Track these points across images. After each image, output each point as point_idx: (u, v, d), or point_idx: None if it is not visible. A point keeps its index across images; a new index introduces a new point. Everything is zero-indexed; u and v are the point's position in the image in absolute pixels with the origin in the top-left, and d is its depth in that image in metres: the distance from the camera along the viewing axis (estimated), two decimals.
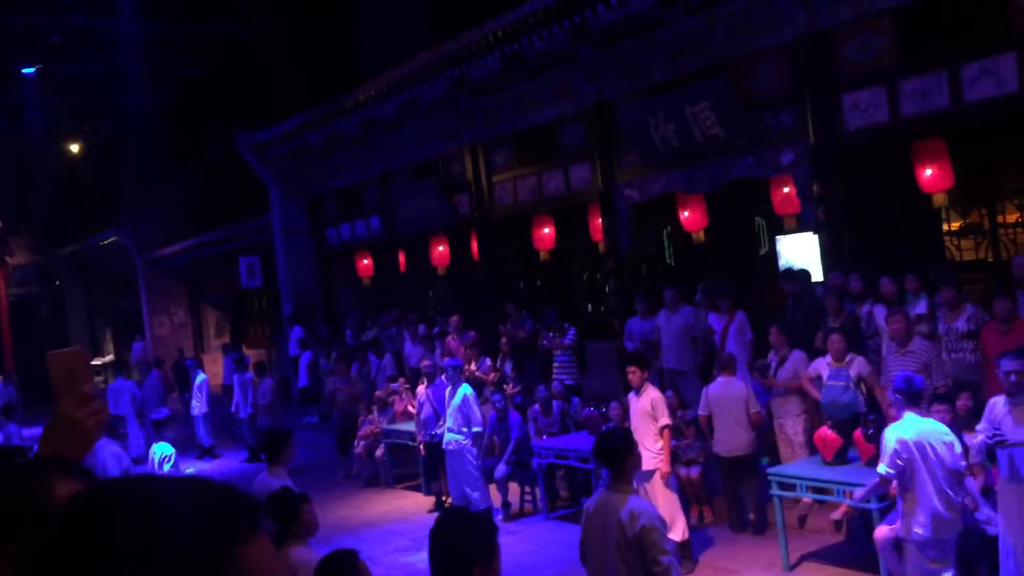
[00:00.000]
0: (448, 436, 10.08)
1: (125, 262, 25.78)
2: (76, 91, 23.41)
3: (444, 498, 10.77)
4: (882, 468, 5.88)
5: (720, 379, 8.72)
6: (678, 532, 7.63)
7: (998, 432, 5.67)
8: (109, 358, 27.72)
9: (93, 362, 26.36)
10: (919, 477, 5.75)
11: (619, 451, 4.69)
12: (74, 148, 27.87)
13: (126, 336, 26.86)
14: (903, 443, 5.74)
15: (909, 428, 5.80)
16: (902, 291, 8.79)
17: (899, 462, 5.74)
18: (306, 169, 18.57)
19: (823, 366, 8.20)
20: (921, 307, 8.56)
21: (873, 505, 6.95)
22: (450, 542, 2.96)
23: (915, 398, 5.92)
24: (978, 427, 6.07)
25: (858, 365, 8.03)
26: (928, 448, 5.73)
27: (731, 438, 8.49)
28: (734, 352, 9.49)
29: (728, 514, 8.81)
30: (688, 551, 7.85)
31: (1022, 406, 5.70)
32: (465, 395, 10.01)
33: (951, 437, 5.84)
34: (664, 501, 7.52)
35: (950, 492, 5.75)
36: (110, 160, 26.89)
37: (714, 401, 8.58)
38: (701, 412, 8.75)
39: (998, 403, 5.86)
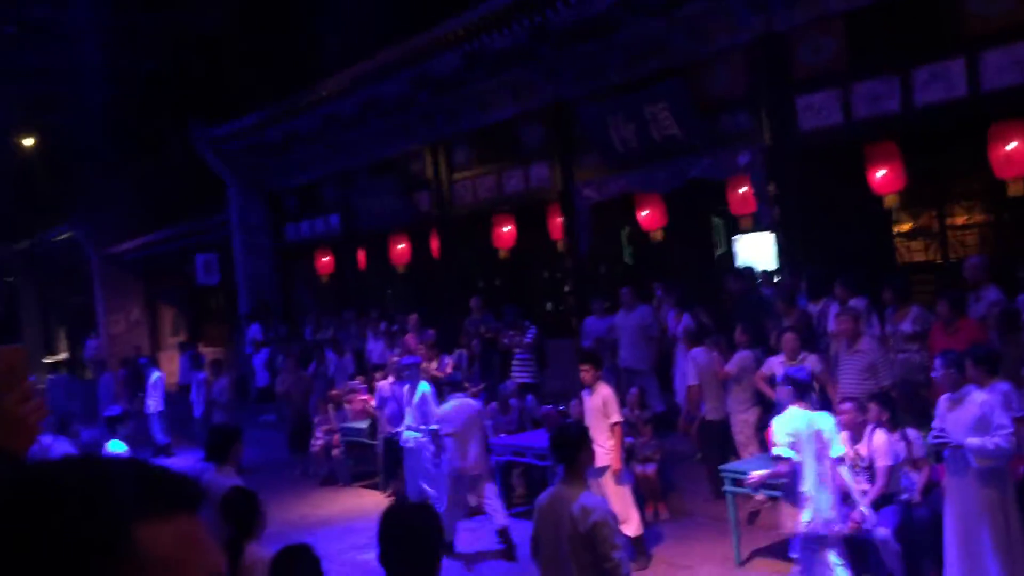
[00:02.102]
0: (407, 434, 10.08)
1: (80, 258, 25.39)
2: (30, 83, 23.01)
3: (403, 496, 10.76)
4: (785, 451, 6.18)
5: (701, 349, 9.24)
6: (632, 527, 7.71)
7: (942, 433, 5.85)
8: (63, 356, 27.30)
9: (46, 360, 25.97)
10: (805, 470, 6.13)
11: (573, 446, 4.73)
12: (28, 141, 27.36)
13: (80, 334, 26.45)
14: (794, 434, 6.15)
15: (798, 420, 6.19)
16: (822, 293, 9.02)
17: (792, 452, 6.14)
18: (265, 165, 18.44)
19: (776, 365, 8.32)
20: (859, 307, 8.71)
21: None
22: (418, 532, 2.89)
23: (804, 391, 6.32)
24: (933, 424, 6.23)
25: (811, 363, 8.16)
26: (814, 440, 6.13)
27: (718, 400, 9.05)
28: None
29: (709, 482, 8.97)
30: (642, 546, 7.93)
31: (958, 403, 5.90)
32: (424, 393, 10.01)
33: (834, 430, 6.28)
34: (616, 497, 7.59)
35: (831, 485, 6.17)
36: (65, 154, 26.42)
37: (703, 368, 9.10)
38: (692, 382, 9.17)
39: (942, 401, 6.06)
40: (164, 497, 0.89)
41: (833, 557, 6.15)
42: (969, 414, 5.81)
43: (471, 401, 9.26)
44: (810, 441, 6.12)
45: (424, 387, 10.13)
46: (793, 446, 6.13)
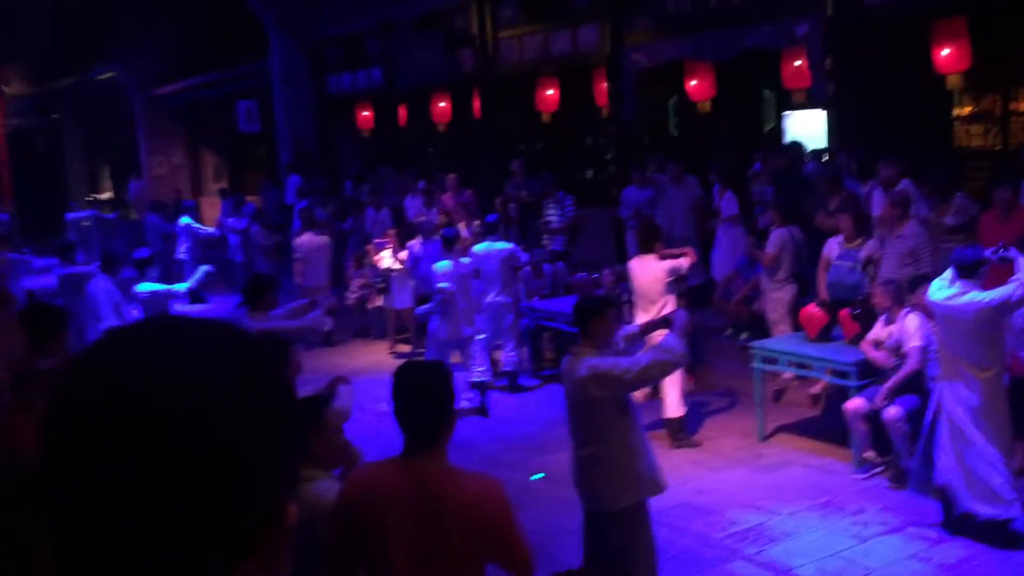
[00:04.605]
0: (493, 295, 9.71)
1: (122, 99, 25.32)
2: None
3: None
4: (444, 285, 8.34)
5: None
6: (672, 407, 7.70)
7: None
8: (107, 195, 27.63)
9: (87, 198, 26.36)
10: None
11: (589, 313, 4.73)
12: None
13: (124, 174, 26.66)
14: None
15: None
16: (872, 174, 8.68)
17: None
18: (306, 12, 18.01)
19: (835, 246, 8.13)
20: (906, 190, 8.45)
21: (851, 382, 7.05)
22: (429, 389, 2.90)
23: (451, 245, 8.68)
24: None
25: (869, 248, 7.96)
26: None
27: None
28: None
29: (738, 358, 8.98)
30: (682, 428, 7.80)
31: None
32: (509, 248, 9.69)
33: None
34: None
35: None
36: None
37: None
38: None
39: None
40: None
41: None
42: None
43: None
44: (459, 279, 8.79)
45: (504, 244, 9.84)
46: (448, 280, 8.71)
